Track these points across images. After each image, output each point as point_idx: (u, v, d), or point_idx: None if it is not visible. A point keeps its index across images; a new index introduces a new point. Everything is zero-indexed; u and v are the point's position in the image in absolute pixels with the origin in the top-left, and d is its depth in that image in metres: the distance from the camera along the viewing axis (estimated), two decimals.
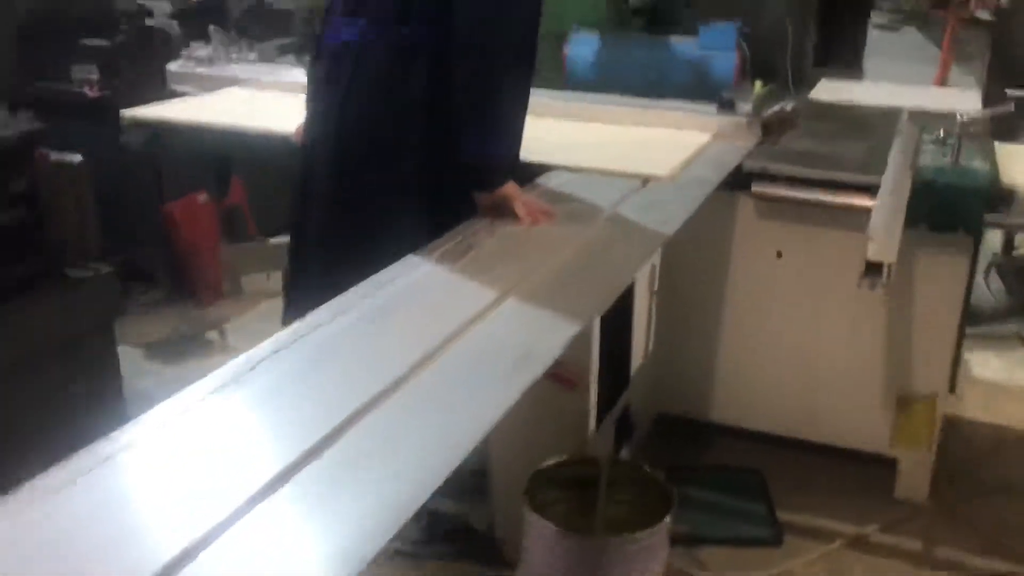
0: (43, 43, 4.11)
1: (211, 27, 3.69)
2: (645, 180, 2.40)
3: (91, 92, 3.88)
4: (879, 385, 2.81)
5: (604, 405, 2.54)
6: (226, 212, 4.39)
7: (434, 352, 1.44)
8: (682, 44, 6.66)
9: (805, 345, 2.86)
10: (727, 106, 2.99)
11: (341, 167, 2.18)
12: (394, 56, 2.13)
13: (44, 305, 2.61)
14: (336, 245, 2.20)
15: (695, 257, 2.89)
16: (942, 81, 5.70)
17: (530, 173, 2.53)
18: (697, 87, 6.45)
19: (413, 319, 1.61)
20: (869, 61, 7.23)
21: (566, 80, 6.87)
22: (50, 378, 2.63)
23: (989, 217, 2.40)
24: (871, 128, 3.09)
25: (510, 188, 2.11)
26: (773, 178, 2.63)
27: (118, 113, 3.14)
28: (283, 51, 4.66)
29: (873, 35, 7.18)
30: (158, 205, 4.12)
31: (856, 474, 2.93)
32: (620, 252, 1.96)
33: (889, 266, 1.75)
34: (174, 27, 3.92)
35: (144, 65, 3.85)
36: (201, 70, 3.59)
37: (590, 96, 3.38)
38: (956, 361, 2.81)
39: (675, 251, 2.85)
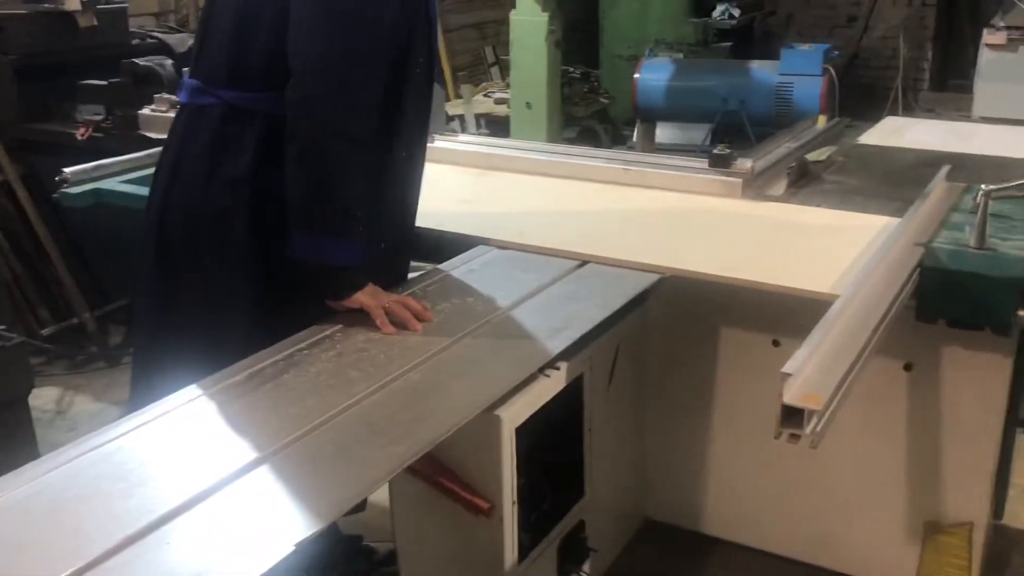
0: (42, 82, 3.99)
1: (185, 69, 3.42)
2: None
3: (81, 135, 3.71)
4: (902, 508, 2.27)
5: (539, 527, 2.10)
6: None
7: None
8: (762, 69, 6.14)
9: (813, 453, 2.33)
10: (720, 163, 2.49)
11: (163, 245, 1.87)
12: (221, 122, 1.80)
13: None
14: (156, 340, 1.90)
15: (682, 342, 2.42)
16: None
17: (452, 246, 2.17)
18: (777, 115, 5.94)
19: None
20: (981, 86, 6.48)
21: (636, 107, 6.47)
22: None
23: None
24: (911, 184, 2.53)
25: (364, 299, 1.73)
26: None
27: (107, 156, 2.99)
28: None
29: (987, 56, 6.42)
30: None
31: None
32: (453, 392, 1.57)
33: (815, 414, 1.27)
34: (167, 67, 3.71)
35: (137, 107, 3.66)
36: (172, 115, 3.32)
37: (568, 149, 2.85)
38: (1003, 480, 2.24)
39: (659, 333, 2.42)
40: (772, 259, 2.13)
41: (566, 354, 1.89)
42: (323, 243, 1.70)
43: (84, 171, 2.85)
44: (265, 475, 1.31)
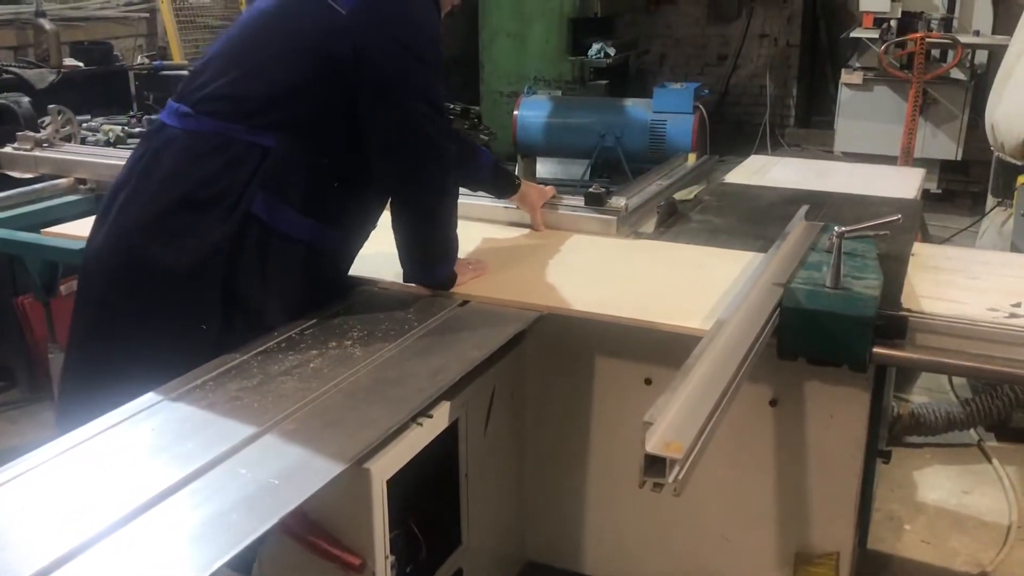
0: None
1: (50, 106, 3.35)
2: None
3: None
4: (773, 540, 2.32)
5: None
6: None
7: None
8: (636, 107, 6.30)
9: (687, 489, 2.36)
10: (594, 201, 2.60)
11: (121, 270, 1.93)
12: (217, 151, 1.93)
13: None
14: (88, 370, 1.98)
15: (557, 383, 2.42)
16: (908, 145, 5.25)
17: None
18: (652, 151, 6.09)
19: None
20: (841, 123, 6.82)
21: (516, 143, 6.54)
22: None
23: (882, 350, 1.92)
24: (774, 222, 2.62)
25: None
26: None
27: None
28: None
29: (845, 94, 6.77)
30: (11, 297, 3.72)
31: None
32: (320, 446, 1.54)
33: (676, 463, 1.28)
34: (24, 104, 3.54)
35: None
36: (36, 153, 3.27)
37: None
38: (865, 508, 2.32)
39: (534, 375, 2.41)
40: (647, 295, 2.21)
41: (439, 401, 1.87)
42: (436, 268, 2.15)
43: None
44: (127, 538, 1.26)
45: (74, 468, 1.44)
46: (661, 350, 2.27)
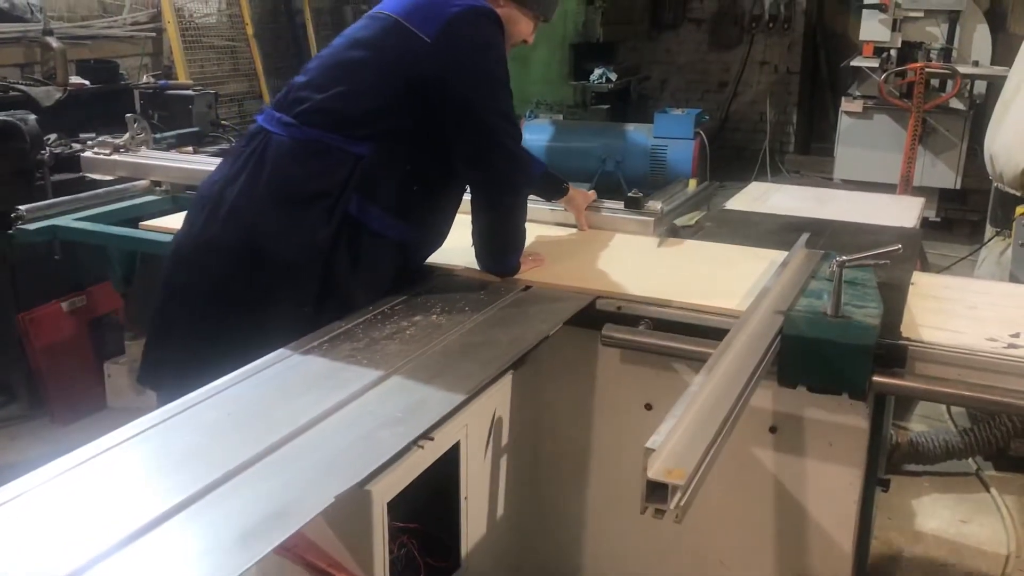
0: None
1: (128, 115, 3.64)
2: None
3: None
4: (772, 566, 2.32)
5: None
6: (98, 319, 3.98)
7: None
8: (637, 132, 6.34)
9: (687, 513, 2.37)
10: (633, 204, 2.87)
11: (241, 257, 2.18)
12: (316, 157, 2.19)
13: None
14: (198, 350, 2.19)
15: (558, 405, 2.43)
16: (907, 174, 5.28)
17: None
18: (652, 176, 6.12)
19: None
20: (841, 150, 6.86)
21: None
22: None
23: (881, 379, 1.93)
24: (773, 249, 2.64)
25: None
26: (629, 319, 2.18)
27: None
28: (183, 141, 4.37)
29: (845, 122, 6.82)
30: (13, 313, 3.73)
31: None
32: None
33: (679, 489, 1.29)
34: (30, 122, 3.57)
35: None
36: (116, 157, 3.57)
37: None
38: (864, 536, 2.31)
39: (535, 398, 2.42)
40: (687, 282, 2.41)
41: (441, 423, 1.88)
42: (508, 257, 2.42)
43: (39, 208, 3.13)
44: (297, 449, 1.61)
45: (229, 405, 1.74)
46: (661, 377, 2.28)
